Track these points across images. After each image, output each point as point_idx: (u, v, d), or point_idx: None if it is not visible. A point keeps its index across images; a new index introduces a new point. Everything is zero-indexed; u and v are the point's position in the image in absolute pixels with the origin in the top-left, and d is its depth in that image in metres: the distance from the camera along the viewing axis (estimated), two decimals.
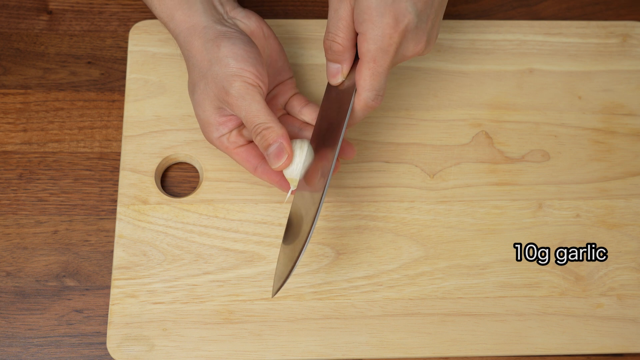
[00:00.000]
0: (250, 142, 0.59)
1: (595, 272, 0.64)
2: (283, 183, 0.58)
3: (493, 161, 0.67)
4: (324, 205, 0.64)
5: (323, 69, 0.68)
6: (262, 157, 0.59)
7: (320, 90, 0.67)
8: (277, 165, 0.55)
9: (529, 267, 0.64)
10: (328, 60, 0.57)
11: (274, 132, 0.55)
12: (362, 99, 0.55)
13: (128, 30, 0.70)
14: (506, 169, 0.67)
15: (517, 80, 0.69)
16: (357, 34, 0.55)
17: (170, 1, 0.59)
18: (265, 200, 0.64)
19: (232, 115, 0.57)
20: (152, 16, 0.70)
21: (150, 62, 0.67)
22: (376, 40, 0.53)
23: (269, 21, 0.69)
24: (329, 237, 0.64)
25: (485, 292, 0.63)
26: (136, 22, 0.69)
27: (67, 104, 0.67)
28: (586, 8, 0.74)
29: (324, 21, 0.70)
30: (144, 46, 0.68)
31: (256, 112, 0.55)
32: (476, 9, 0.73)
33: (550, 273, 0.64)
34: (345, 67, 0.57)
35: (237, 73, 0.55)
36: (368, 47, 0.53)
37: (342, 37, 0.55)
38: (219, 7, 0.60)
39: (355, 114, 0.56)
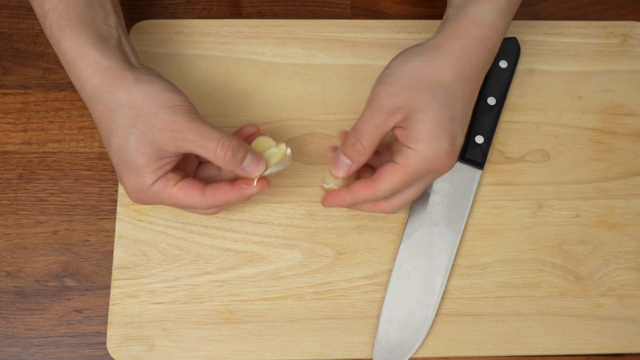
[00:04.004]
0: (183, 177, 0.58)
1: (595, 272, 0.64)
2: (238, 190, 0.57)
3: (493, 161, 0.67)
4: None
5: (323, 69, 0.68)
6: (205, 180, 0.59)
7: (319, 90, 0.67)
8: (258, 172, 0.56)
9: (529, 267, 0.64)
10: (343, 152, 0.57)
11: (241, 144, 0.55)
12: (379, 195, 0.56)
13: (128, 31, 0.70)
14: (506, 169, 0.66)
15: (517, 80, 0.69)
16: (381, 144, 0.57)
17: (85, 38, 0.55)
18: (265, 200, 0.64)
19: (168, 157, 0.55)
20: (152, 16, 0.70)
21: (150, 62, 0.67)
22: (428, 160, 0.54)
23: (269, 21, 0.69)
24: (329, 237, 0.64)
25: (485, 292, 0.63)
26: (136, 22, 0.69)
27: (67, 104, 0.67)
28: (586, 8, 0.74)
29: (324, 21, 0.70)
30: (144, 46, 0.68)
31: (210, 131, 0.55)
32: None
33: (550, 273, 0.64)
34: (354, 168, 0.57)
35: (179, 104, 0.55)
36: (416, 165, 0.55)
37: (367, 140, 0.56)
38: (132, 58, 0.58)
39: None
